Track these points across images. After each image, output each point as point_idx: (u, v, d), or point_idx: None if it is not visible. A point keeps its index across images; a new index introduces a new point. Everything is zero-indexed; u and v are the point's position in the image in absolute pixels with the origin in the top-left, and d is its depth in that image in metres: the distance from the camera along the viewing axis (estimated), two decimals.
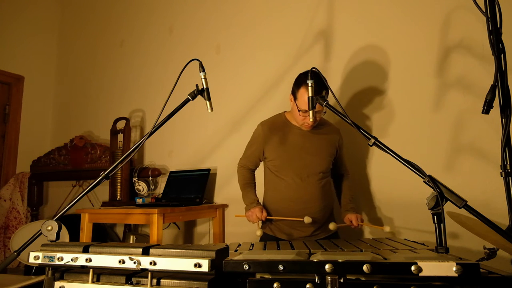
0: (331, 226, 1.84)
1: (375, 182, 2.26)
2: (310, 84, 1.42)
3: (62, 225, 1.18)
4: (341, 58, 2.43)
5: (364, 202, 2.28)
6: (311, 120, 1.47)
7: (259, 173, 2.06)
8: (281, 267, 0.81)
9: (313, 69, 1.43)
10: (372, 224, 2.21)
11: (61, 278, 0.97)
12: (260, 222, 1.87)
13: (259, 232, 1.84)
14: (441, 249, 0.99)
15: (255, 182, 2.05)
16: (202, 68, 1.43)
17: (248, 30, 2.83)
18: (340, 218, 1.97)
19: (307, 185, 1.85)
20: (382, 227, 1.86)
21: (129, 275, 0.92)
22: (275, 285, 0.81)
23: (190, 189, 2.71)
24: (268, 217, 1.86)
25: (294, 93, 1.81)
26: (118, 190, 2.99)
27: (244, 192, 1.99)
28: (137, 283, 0.91)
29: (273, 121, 1.96)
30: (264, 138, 1.92)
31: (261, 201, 1.99)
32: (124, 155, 1.35)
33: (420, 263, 0.76)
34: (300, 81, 1.78)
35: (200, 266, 0.83)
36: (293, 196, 1.86)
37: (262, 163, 2.03)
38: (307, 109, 1.67)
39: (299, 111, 1.78)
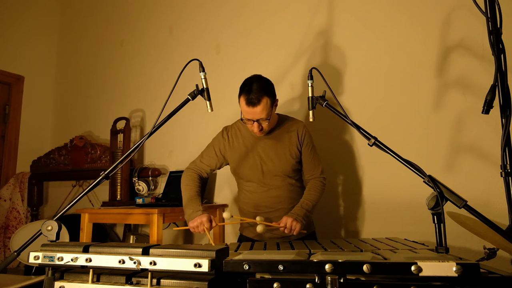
0: (259, 229, 1.59)
1: (375, 182, 2.26)
2: (310, 84, 1.41)
3: (62, 225, 1.18)
4: (341, 58, 2.43)
5: (364, 202, 2.28)
6: (310, 119, 1.45)
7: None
8: (281, 267, 0.81)
9: (313, 69, 1.43)
10: (374, 226, 2.19)
11: (61, 278, 0.97)
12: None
13: (226, 215, 1.63)
14: (441, 249, 0.99)
15: (200, 189, 1.82)
16: (202, 68, 1.44)
17: (248, 30, 2.83)
18: (318, 220, 1.95)
19: (272, 189, 1.81)
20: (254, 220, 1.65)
21: (129, 275, 0.92)
22: (275, 285, 0.81)
23: None
24: (219, 224, 1.77)
25: (238, 100, 1.70)
26: (118, 190, 2.99)
27: (185, 197, 1.75)
28: (137, 283, 0.91)
29: (236, 126, 1.91)
30: (224, 144, 1.87)
31: (234, 202, 1.95)
32: (124, 155, 1.35)
33: (420, 263, 0.76)
34: (240, 89, 1.68)
35: (200, 266, 0.83)
36: (258, 201, 1.83)
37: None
38: (248, 117, 1.67)
39: (242, 119, 1.71)
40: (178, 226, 2.89)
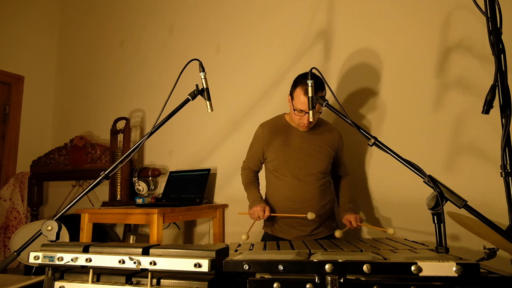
0: (337, 234, 1.78)
1: (375, 182, 2.26)
2: (310, 84, 1.41)
3: (62, 225, 1.18)
4: (341, 58, 2.43)
5: (364, 202, 2.28)
6: (311, 119, 1.46)
7: (262, 174, 2.08)
8: (281, 267, 0.81)
9: (313, 69, 1.43)
10: (373, 225, 2.19)
11: (61, 278, 0.97)
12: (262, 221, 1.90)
13: (244, 237, 1.79)
14: (441, 249, 0.99)
15: (258, 182, 2.07)
16: (202, 68, 1.43)
17: (248, 30, 2.83)
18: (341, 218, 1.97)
19: (305, 185, 1.87)
20: (385, 229, 1.75)
21: (129, 275, 0.92)
22: (275, 285, 0.81)
23: (190, 189, 2.71)
24: (272, 214, 1.88)
25: (291, 93, 1.84)
26: (118, 190, 2.99)
27: (247, 191, 2.03)
28: (137, 283, 0.91)
29: (273, 122, 2.00)
30: (263, 139, 1.95)
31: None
32: (124, 155, 1.35)
33: (420, 263, 0.76)
34: (297, 82, 1.82)
35: (200, 266, 0.83)
36: (290, 195, 1.88)
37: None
38: (302, 108, 1.76)
39: (294, 110, 1.81)
40: (178, 227, 2.89)
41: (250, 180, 2.04)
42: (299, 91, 1.77)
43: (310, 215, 1.78)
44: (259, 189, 2.03)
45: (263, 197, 2.01)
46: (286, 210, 1.90)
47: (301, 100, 1.75)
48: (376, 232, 2.20)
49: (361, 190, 2.29)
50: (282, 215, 1.89)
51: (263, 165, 2.04)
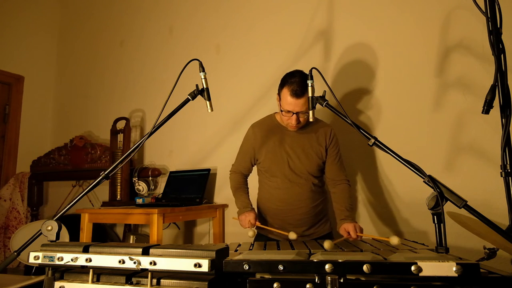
0: (327, 245, 1.33)
1: (374, 182, 2.26)
2: (310, 84, 1.41)
3: (62, 225, 1.18)
4: (341, 58, 2.43)
5: (364, 202, 2.27)
6: (311, 119, 1.45)
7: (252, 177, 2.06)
8: (281, 267, 0.81)
9: (313, 69, 1.43)
10: (369, 231, 2.12)
11: (61, 278, 0.97)
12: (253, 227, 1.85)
13: (251, 233, 1.76)
14: (441, 249, 0.99)
15: (247, 187, 2.01)
16: (202, 68, 1.43)
17: (248, 30, 2.83)
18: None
19: (296, 185, 1.84)
20: (388, 238, 1.40)
21: (129, 275, 0.92)
22: (275, 285, 0.81)
23: (190, 189, 2.71)
24: (258, 225, 1.82)
25: (279, 93, 1.77)
26: (118, 190, 2.99)
27: (236, 196, 1.96)
28: (137, 283, 0.91)
29: (263, 122, 1.96)
30: (255, 140, 1.91)
31: (254, 200, 1.99)
32: (124, 155, 1.35)
33: (420, 263, 0.76)
34: (283, 81, 1.74)
35: (200, 266, 0.83)
36: (281, 196, 1.86)
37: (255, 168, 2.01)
38: (289, 109, 1.71)
39: (281, 111, 1.76)
40: (178, 227, 2.89)
41: (240, 185, 1.97)
42: (285, 92, 1.69)
43: (291, 235, 1.68)
44: (248, 195, 1.96)
45: (256, 198, 1.99)
46: (277, 210, 1.88)
47: (288, 101, 1.68)
48: (376, 232, 2.20)
49: (361, 190, 2.29)
50: (269, 229, 1.84)
51: (255, 166, 2.00)
